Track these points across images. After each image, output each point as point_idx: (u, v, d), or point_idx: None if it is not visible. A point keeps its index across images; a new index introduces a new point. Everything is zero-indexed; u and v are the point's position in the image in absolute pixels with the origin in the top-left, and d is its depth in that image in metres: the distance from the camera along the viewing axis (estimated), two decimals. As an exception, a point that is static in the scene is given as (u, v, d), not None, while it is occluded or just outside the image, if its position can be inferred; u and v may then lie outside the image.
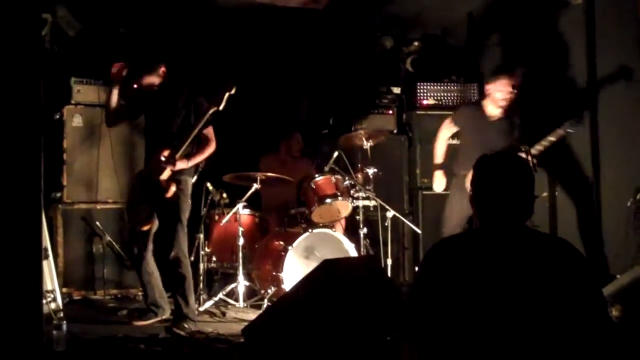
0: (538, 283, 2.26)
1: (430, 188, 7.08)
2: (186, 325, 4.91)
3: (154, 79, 5.13)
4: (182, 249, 5.01)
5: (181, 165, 4.96)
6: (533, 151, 5.27)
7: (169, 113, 5.05)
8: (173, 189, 4.90)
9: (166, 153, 4.89)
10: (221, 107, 4.86)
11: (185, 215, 5.08)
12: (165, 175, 4.90)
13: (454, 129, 5.83)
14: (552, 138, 5.27)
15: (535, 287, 2.26)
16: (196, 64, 7.26)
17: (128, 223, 5.55)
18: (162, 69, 5.16)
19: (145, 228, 5.09)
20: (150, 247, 5.20)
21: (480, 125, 5.59)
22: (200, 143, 5.14)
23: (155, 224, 5.15)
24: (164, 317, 5.25)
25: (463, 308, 2.28)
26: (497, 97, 5.47)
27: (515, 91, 5.44)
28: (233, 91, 4.87)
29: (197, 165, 5.41)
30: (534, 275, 2.28)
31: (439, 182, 5.86)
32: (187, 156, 5.02)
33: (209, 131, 5.16)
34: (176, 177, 4.98)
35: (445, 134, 5.86)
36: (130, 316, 5.35)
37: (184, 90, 5.13)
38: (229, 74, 7.35)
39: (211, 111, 4.89)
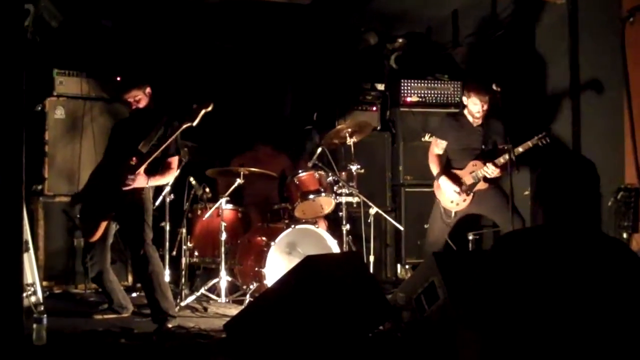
0: (600, 281, 2.33)
1: (413, 185, 7.16)
2: (170, 325, 4.90)
3: (140, 95, 5.15)
4: (150, 244, 5.05)
5: (141, 181, 4.95)
6: (501, 159, 5.44)
7: (140, 136, 5.01)
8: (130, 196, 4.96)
9: (132, 163, 4.89)
10: (195, 123, 4.87)
11: (150, 215, 5.14)
12: (126, 186, 4.90)
13: (443, 143, 5.85)
14: (520, 149, 5.40)
15: (597, 285, 2.32)
16: (179, 59, 7.24)
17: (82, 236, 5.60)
18: (148, 89, 5.19)
19: (94, 239, 5.08)
20: (109, 258, 5.29)
21: (463, 133, 5.75)
22: (163, 167, 5.14)
23: (111, 237, 5.22)
24: (126, 314, 5.35)
25: (529, 301, 2.34)
26: (472, 110, 5.66)
27: (487, 107, 5.58)
28: (210, 108, 4.87)
29: (180, 159, 5.41)
30: (596, 274, 2.34)
31: (449, 186, 5.68)
32: (149, 174, 5.00)
33: (174, 160, 5.20)
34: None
35: (435, 152, 5.89)
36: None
37: (163, 117, 5.10)
38: (212, 69, 7.38)
39: (185, 126, 4.89)
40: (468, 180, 5.64)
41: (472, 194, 5.64)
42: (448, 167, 5.82)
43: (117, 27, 6.94)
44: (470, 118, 5.71)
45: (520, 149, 5.39)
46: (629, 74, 5.52)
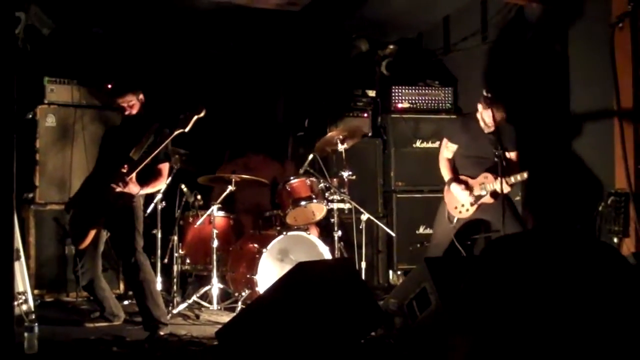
0: (590, 285, 2.34)
1: (404, 191, 7.17)
2: (161, 333, 4.89)
3: (134, 101, 5.12)
4: (141, 252, 5.04)
5: (133, 188, 4.92)
6: (512, 179, 5.24)
7: (131, 143, 5.00)
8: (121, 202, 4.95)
9: (124, 170, 4.88)
10: (187, 129, 4.86)
11: (141, 223, 5.12)
12: (117, 190, 4.88)
13: (453, 147, 5.76)
14: (513, 180, 5.24)
15: (588, 290, 2.34)
16: (171, 66, 7.24)
17: (72, 244, 5.58)
18: (141, 96, 5.17)
19: (83, 246, 5.07)
20: (100, 266, 5.29)
21: (473, 139, 5.64)
22: (153, 175, 5.13)
23: (102, 245, 5.22)
24: (118, 322, 5.35)
25: (520, 304, 2.34)
26: (486, 120, 5.48)
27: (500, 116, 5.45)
28: (202, 114, 4.86)
29: (171, 166, 5.42)
30: (586, 278, 2.35)
31: (462, 194, 5.59)
32: (141, 182, 4.99)
33: (164, 167, 5.19)
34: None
35: (446, 155, 5.80)
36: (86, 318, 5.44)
37: (154, 123, 5.09)
38: (204, 76, 7.39)
39: (177, 132, 4.87)
40: (476, 191, 5.53)
41: (477, 205, 5.55)
42: (457, 174, 5.72)
43: (108, 35, 6.94)
44: (482, 123, 5.56)
45: (513, 180, 5.22)
46: (618, 79, 5.54)
